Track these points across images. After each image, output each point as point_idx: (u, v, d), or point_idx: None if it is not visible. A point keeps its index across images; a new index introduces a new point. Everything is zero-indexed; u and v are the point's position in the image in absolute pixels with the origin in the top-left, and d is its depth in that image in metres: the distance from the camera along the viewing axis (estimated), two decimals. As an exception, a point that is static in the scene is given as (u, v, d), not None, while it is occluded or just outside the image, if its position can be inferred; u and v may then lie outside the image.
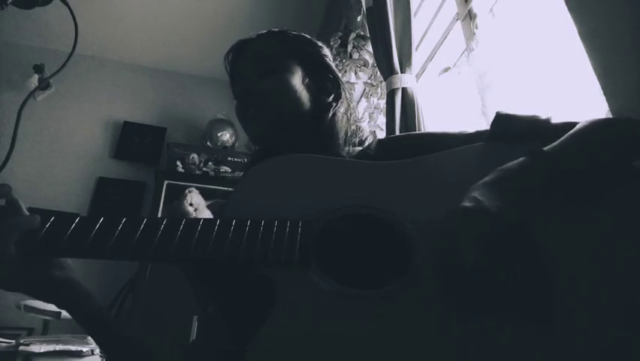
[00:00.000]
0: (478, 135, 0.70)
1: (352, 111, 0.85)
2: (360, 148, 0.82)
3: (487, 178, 0.51)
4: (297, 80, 0.78)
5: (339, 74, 0.86)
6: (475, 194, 0.48)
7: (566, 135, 0.56)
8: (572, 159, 0.53)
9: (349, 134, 0.81)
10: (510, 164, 0.53)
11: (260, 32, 0.84)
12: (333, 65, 0.86)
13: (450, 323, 0.45)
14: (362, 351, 0.44)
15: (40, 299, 0.57)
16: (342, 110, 0.82)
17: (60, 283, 0.57)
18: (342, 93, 0.83)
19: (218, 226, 0.54)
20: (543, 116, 0.65)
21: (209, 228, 0.53)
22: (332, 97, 0.81)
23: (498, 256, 0.44)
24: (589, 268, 0.48)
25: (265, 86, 0.76)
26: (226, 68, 0.85)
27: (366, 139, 0.87)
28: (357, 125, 0.85)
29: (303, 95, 0.78)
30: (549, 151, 0.53)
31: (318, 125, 0.78)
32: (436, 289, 0.48)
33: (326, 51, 0.87)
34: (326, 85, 0.82)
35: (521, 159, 0.53)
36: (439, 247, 0.48)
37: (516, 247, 0.46)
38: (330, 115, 0.79)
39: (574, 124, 0.61)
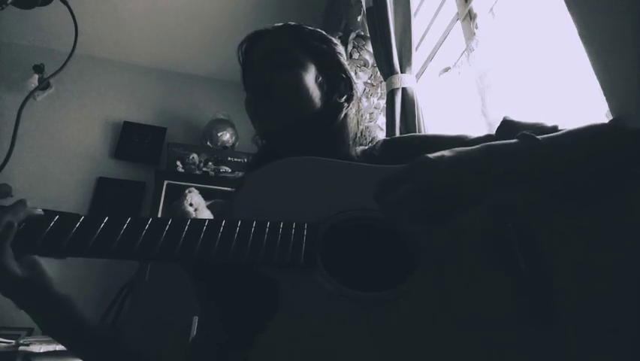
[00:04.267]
0: (483, 140, 0.70)
1: (362, 113, 0.84)
2: (365, 147, 0.81)
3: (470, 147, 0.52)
4: (310, 78, 0.78)
5: (352, 75, 0.84)
6: (446, 152, 0.50)
7: (562, 131, 0.56)
8: (562, 153, 0.53)
9: (359, 135, 0.81)
10: (498, 142, 0.53)
11: (276, 25, 0.84)
12: (346, 63, 0.85)
13: (453, 325, 0.45)
14: (366, 353, 0.44)
15: (21, 304, 0.55)
16: (353, 111, 0.81)
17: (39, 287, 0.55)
18: (354, 94, 0.82)
19: (224, 226, 0.54)
20: (549, 123, 0.65)
21: (214, 228, 0.53)
22: (344, 98, 0.80)
23: (424, 209, 0.47)
24: (587, 267, 0.48)
25: (278, 82, 0.75)
26: (239, 59, 0.84)
27: (372, 140, 0.86)
28: (365, 126, 0.84)
29: (315, 93, 0.77)
30: (540, 139, 0.53)
31: (329, 124, 0.77)
32: (440, 290, 0.48)
33: (340, 49, 0.86)
34: (339, 85, 0.81)
35: (511, 140, 0.53)
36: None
37: (460, 214, 0.48)
38: (342, 116, 0.78)
39: None
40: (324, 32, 0.86)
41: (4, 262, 0.50)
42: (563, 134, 0.55)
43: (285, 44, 0.80)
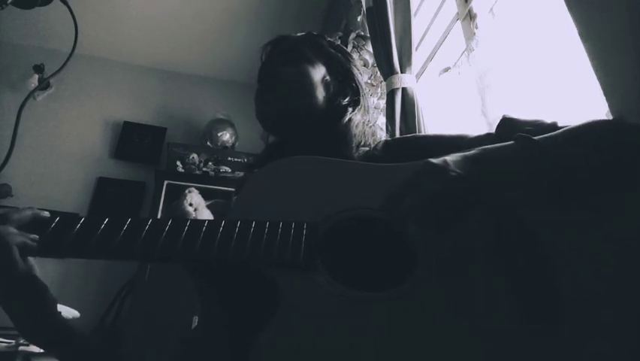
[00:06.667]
0: (484, 138, 0.70)
1: (370, 124, 0.85)
2: (366, 149, 0.82)
3: (468, 151, 0.53)
4: (317, 75, 0.80)
5: (363, 85, 0.86)
6: (447, 157, 0.50)
7: (560, 130, 0.57)
8: (559, 150, 0.53)
9: (363, 142, 0.81)
10: (495, 144, 0.54)
11: (300, 33, 0.89)
12: (359, 76, 0.87)
13: (453, 326, 0.45)
14: (366, 353, 0.44)
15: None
16: (358, 117, 0.82)
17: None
18: (361, 101, 0.83)
19: (224, 226, 0.54)
20: (548, 120, 0.65)
21: (214, 229, 0.53)
22: (349, 101, 0.81)
23: (433, 215, 0.48)
24: (589, 269, 0.48)
25: (283, 72, 0.79)
26: (261, 58, 0.89)
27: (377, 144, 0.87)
28: (374, 139, 0.84)
29: (319, 90, 0.79)
30: (537, 139, 0.53)
31: (332, 126, 0.79)
32: (440, 291, 0.48)
33: (356, 63, 0.89)
34: (345, 90, 0.83)
35: (507, 142, 0.54)
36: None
37: (466, 216, 0.48)
38: (347, 119, 0.80)
39: None
40: (343, 47, 0.91)
41: (13, 256, 0.50)
42: (562, 132, 0.56)
43: (302, 45, 0.84)
